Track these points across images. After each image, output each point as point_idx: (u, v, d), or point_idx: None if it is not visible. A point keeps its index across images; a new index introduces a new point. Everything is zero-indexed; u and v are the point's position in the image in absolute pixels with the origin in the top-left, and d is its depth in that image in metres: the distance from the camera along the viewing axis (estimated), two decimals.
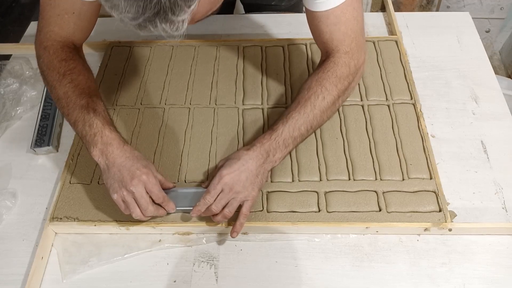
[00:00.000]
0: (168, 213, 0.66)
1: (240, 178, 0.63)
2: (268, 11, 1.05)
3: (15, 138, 0.81)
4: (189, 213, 0.65)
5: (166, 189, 0.66)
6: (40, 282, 0.64)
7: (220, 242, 0.67)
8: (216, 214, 0.64)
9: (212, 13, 0.51)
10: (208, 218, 0.67)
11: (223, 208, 0.64)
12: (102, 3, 0.44)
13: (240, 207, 0.64)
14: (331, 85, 0.67)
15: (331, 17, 0.66)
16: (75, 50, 0.72)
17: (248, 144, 0.68)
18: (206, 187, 0.66)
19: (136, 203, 0.62)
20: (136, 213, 0.62)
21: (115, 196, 0.62)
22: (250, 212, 0.67)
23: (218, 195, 0.63)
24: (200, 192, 0.66)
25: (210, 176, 0.70)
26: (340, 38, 0.67)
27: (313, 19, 0.68)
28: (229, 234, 0.64)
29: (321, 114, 0.67)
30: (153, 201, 0.63)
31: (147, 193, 0.62)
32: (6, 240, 0.69)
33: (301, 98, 0.67)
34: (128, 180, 0.61)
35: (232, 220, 0.65)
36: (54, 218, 0.68)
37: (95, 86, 0.70)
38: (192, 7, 0.44)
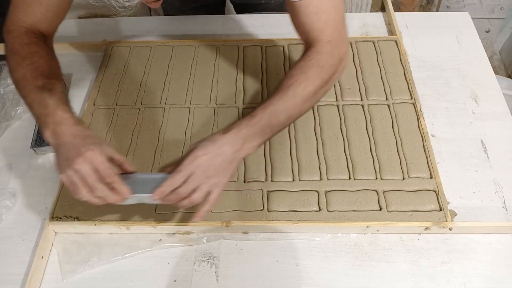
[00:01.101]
0: (125, 200, 0.58)
1: (215, 161, 0.59)
2: (259, 11, 1.05)
3: (15, 138, 0.81)
4: (149, 202, 0.60)
5: (125, 173, 0.61)
6: (40, 281, 0.64)
7: (221, 242, 0.67)
8: (182, 199, 0.59)
9: None
10: (208, 217, 0.67)
11: (191, 192, 0.58)
12: None
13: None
14: (314, 74, 0.65)
15: (310, 6, 0.64)
16: (41, 37, 0.71)
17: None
18: (171, 173, 0.59)
19: (84, 182, 0.56)
20: (83, 194, 0.56)
21: (62, 177, 0.57)
22: (251, 211, 0.67)
23: (188, 177, 0.58)
24: (163, 178, 0.59)
25: (176, 161, 0.62)
26: (321, 28, 0.66)
27: (293, 10, 0.67)
28: (193, 218, 0.60)
29: (302, 103, 0.64)
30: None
31: (96, 172, 0.56)
32: (6, 240, 0.68)
33: (283, 86, 0.65)
34: (73, 158, 0.56)
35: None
36: (54, 217, 0.68)
37: (58, 72, 0.68)
38: None
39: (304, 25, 0.67)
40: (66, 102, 0.63)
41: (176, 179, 0.58)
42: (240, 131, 0.61)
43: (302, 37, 0.70)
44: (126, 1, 0.45)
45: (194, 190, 0.58)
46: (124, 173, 0.61)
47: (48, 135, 0.59)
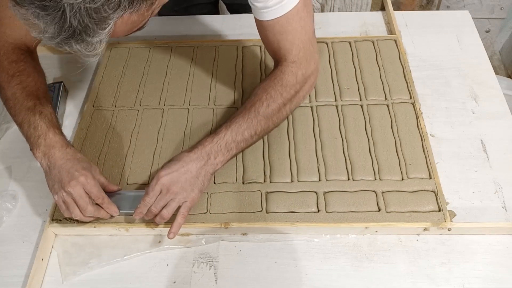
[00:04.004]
0: (112, 216, 0.66)
1: (178, 179, 0.63)
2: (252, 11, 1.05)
3: (15, 140, 0.81)
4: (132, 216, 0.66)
5: (110, 192, 0.67)
6: (40, 283, 0.64)
7: (220, 243, 0.67)
8: (155, 216, 0.64)
9: (139, 29, 0.53)
10: (207, 218, 0.67)
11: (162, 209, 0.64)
12: (21, 21, 0.45)
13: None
14: (276, 93, 0.68)
15: (276, 26, 0.66)
16: (27, 52, 0.73)
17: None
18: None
19: (75, 203, 0.62)
20: (76, 214, 0.63)
21: (55, 197, 0.63)
22: (249, 213, 0.67)
23: (157, 196, 0.64)
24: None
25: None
26: (287, 47, 0.68)
27: (261, 28, 0.69)
28: (166, 235, 0.64)
29: (265, 120, 0.68)
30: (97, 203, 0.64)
31: (87, 194, 0.62)
32: (7, 242, 0.69)
33: (247, 104, 0.69)
34: (66, 181, 0.61)
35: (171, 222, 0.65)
36: (54, 219, 0.68)
37: (45, 89, 0.71)
38: (107, 29, 0.45)
39: (272, 43, 0.69)
40: (56, 125, 0.67)
41: (146, 201, 0.64)
42: (203, 148, 0.66)
43: (271, 54, 0.73)
44: (90, 51, 0.47)
45: (163, 207, 0.64)
46: (109, 192, 0.67)
47: (39, 156, 0.64)
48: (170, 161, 0.67)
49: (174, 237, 0.63)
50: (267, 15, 0.65)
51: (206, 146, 0.66)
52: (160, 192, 0.64)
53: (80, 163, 0.64)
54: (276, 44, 0.69)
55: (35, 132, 0.65)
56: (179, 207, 0.64)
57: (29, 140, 0.66)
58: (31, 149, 0.65)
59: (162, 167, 0.66)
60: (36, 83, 0.70)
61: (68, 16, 0.42)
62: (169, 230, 0.63)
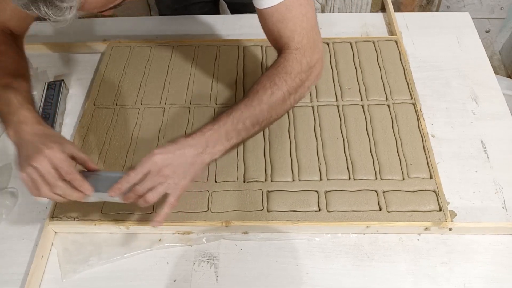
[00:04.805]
0: (87, 198, 0.59)
1: (172, 161, 0.58)
2: (253, 10, 1.05)
3: None
4: (111, 200, 0.59)
5: (89, 171, 0.61)
6: (39, 281, 0.64)
7: (220, 242, 0.67)
8: (139, 198, 0.58)
9: (115, 6, 0.50)
10: (208, 217, 0.67)
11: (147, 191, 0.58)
12: None
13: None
14: (280, 80, 0.64)
15: (275, 14, 0.64)
16: (11, 36, 0.70)
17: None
18: None
19: (44, 180, 0.56)
20: (44, 192, 0.56)
21: (21, 175, 0.57)
22: (250, 211, 0.67)
23: (145, 175, 0.58)
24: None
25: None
26: (288, 35, 0.65)
27: (260, 17, 0.67)
28: (150, 222, 0.59)
29: (268, 109, 0.63)
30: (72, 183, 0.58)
31: (57, 170, 0.56)
32: (6, 240, 0.69)
33: (250, 92, 0.65)
34: (32, 155, 0.56)
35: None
36: (54, 217, 0.68)
37: (25, 71, 0.67)
38: None
39: (272, 32, 0.67)
40: (30, 102, 0.63)
41: (131, 176, 0.57)
42: (203, 135, 0.60)
43: (273, 44, 0.70)
44: (59, 16, 0.45)
45: (150, 190, 0.58)
46: (87, 171, 0.61)
47: (10, 134, 0.60)
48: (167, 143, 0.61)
49: (157, 226, 0.59)
50: (265, 3, 0.63)
51: (205, 133, 0.60)
52: (149, 172, 0.58)
53: (50, 138, 0.58)
54: (277, 33, 0.66)
55: (8, 109, 0.60)
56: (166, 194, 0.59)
57: (2, 118, 0.61)
58: (5, 130, 0.61)
59: (157, 147, 0.61)
60: (17, 65, 0.66)
61: None
62: (154, 218, 0.59)
